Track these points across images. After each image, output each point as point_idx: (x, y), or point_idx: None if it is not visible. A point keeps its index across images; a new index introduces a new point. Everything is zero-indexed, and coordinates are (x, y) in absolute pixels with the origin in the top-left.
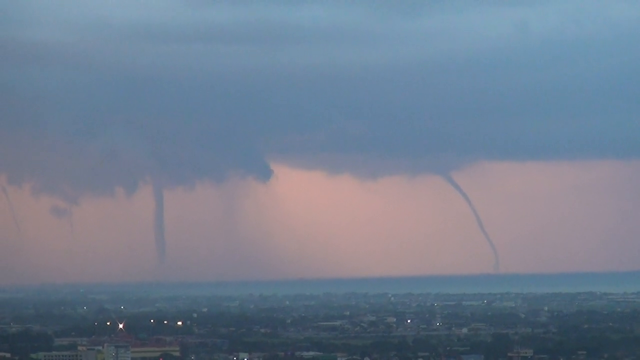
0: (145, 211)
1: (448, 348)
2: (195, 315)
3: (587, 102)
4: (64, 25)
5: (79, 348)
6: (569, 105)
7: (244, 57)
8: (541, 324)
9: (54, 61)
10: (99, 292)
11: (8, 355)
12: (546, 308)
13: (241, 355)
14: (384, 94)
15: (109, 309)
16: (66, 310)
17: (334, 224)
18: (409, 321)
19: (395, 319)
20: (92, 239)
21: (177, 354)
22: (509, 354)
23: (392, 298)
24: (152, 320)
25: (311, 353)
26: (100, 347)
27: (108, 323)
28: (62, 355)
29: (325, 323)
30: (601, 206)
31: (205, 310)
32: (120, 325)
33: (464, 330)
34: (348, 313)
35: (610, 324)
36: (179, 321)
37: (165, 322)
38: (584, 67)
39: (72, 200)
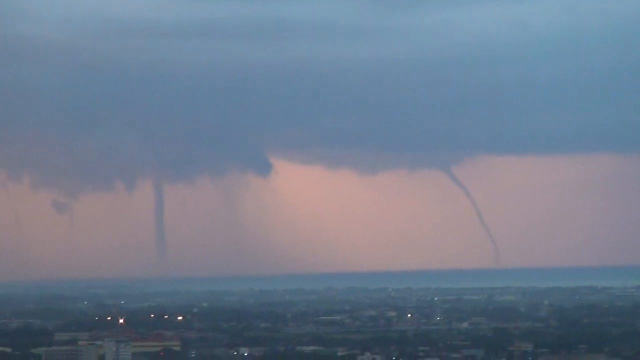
0: (146, 206)
1: (448, 342)
2: (195, 310)
3: (586, 96)
4: (63, 20)
5: (80, 343)
6: (568, 99)
7: (243, 52)
8: (541, 318)
9: (53, 57)
10: (99, 287)
11: (8, 350)
12: (546, 302)
13: (241, 349)
14: (383, 89)
15: (109, 303)
16: (66, 305)
17: (334, 218)
18: (409, 315)
19: (395, 314)
20: (93, 233)
21: (178, 348)
22: (510, 348)
23: (392, 292)
24: (152, 315)
25: (311, 347)
26: (101, 342)
27: (108, 318)
28: (63, 350)
29: (325, 317)
30: (602, 200)
31: (205, 305)
32: (121, 320)
33: (465, 324)
34: (348, 307)
35: (611, 318)
36: (180, 316)
37: (165, 316)
38: (582, 60)
39: (72, 195)
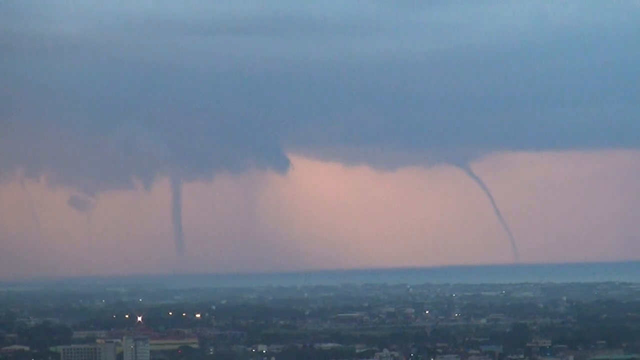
0: (163, 203)
1: (467, 339)
2: (213, 307)
3: (604, 91)
4: (83, 17)
5: (98, 341)
6: (585, 95)
7: (262, 48)
8: (560, 314)
9: (72, 54)
10: (117, 285)
11: (27, 348)
12: (565, 298)
13: (260, 347)
14: (401, 85)
15: (127, 301)
16: (84, 304)
17: (352, 215)
18: (427, 312)
19: (413, 310)
20: (111, 231)
21: (196, 346)
22: (528, 344)
23: (411, 289)
24: (170, 313)
25: (330, 344)
26: (119, 340)
27: (126, 316)
28: (81, 348)
29: (343, 314)
30: (619, 195)
31: (223, 302)
32: (139, 318)
33: (483, 320)
34: (367, 304)
35: (629, 313)
36: (198, 313)
37: (183, 314)
38: (600, 56)
39: (89, 192)
